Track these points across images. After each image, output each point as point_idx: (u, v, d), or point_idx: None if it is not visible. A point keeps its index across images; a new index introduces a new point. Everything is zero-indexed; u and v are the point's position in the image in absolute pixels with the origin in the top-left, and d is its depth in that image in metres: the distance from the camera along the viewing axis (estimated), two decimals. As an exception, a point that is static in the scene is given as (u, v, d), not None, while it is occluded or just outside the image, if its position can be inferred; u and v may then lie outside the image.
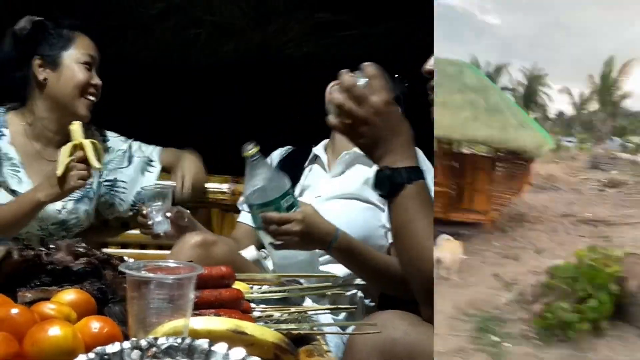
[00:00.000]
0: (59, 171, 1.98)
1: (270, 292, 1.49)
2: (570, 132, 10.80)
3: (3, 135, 2.11)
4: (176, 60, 2.93)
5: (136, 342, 1.01)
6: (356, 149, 1.96)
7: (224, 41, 2.92)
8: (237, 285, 1.39)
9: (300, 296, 1.58)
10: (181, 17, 3.01)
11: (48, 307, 1.19)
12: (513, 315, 3.28)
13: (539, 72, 11.41)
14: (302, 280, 1.83)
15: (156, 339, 1.02)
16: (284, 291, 1.50)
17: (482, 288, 3.78)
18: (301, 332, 1.30)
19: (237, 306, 1.31)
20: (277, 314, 1.36)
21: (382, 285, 1.91)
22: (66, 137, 2.03)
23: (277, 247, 1.78)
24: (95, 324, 1.14)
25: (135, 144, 2.36)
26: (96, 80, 2.15)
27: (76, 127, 2.02)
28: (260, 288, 1.56)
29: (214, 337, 1.06)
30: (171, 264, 1.23)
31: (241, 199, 2.23)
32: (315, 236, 1.79)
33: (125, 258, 1.44)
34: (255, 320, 1.30)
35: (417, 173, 1.44)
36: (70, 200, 2.17)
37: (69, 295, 1.25)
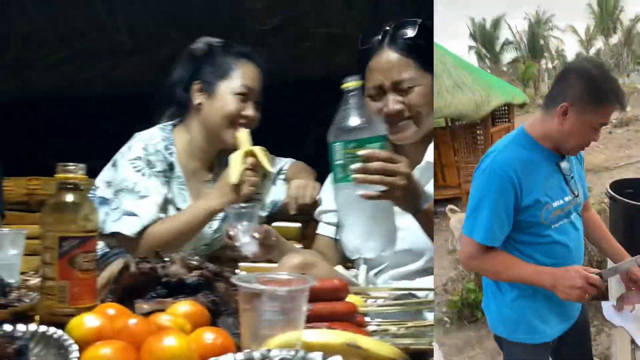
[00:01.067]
0: (235, 178, 2.01)
1: (385, 305, 1.44)
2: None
3: (172, 153, 2.15)
4: (290, 73, 2.95)
5: (249, 353, 0.99)
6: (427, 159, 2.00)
7: (337, 52, 2.92)
8: (351, 298, 1.35)
9: (417, 310, 1.52)
10: (295, 30, 3.03)
11: (164, 318, 1.20)
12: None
13: (543, 16, 10.36)
14: (419, 294, 1.75)
15: (269, 350, 0.99)
16: (401, 305, 1.44)
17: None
18: (419, 346, 1.24)
19: (351, 319, 1.27)
20: (393, 328, 1.30)
21: None
22: (217, 158, 2.08)
23: (372, 197, 1.66)
24: (209, 335, 1.14)
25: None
26: (249, 112, 2.14)
27: (243, 135, 2.05)
28: (375, 302, 1.51)
29: (328, 350, 1.02)
30: (283, 276, 1.21)
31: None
32: (416, 189, 1.72)
33: (237, 270, 1.43)
34: (371, 334, 1.26)
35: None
36: (216, 219, 2.19)
37: (184, 307, 1.26)
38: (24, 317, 1.29)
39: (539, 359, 1.92)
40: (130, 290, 1.35)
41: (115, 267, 1.39)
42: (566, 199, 1.79)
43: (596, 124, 1.70)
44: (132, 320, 1.16)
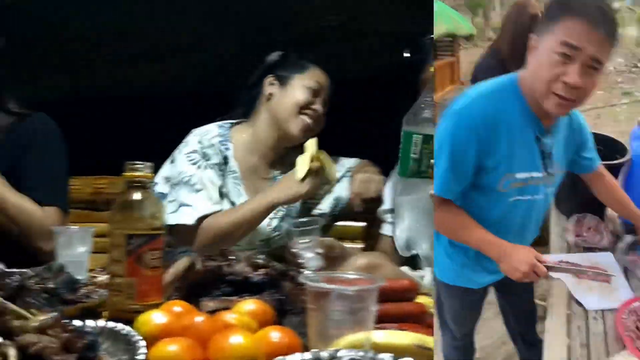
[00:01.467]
0: (301, 174, 2.02)
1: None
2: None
3: (228, 149, 2.19)
4: (350, 71, 2.94)
5: (317, 353, 0.97)
6: None
7: (398, 49, 2.90)
8: (420, 299, 1.32)
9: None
10: (358, 27, 3.02)
11: (230, 317, 1.19)
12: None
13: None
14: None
15: (337, 350, 0.98)
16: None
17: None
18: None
19: (421, 321, 1.24)
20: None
21: None
22: (279, 157, 2.10)
23: None
24: (275, 334, 1.12)
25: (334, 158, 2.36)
26: (317, 106, 2.18)
27: (312, 143, 2.07)
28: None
29: (397, 351, 0.99)
30: (351, 275, 1.19)
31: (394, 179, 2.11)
32: None
33: (304, 270, 1.42)
34: (440, 336, 1.23)
35: None
36: (275, 218, 2.19)
37: (249, 305, 1.26)
38: (93, 313, 1.30)
39: (473, 302, 2.03)
40: (196, 288, 1.35)
41: (181, 264, 1.39)
42: (535, 174, 1.69)
43: (559, 45, 1.50)
44: (199, 318, 1.16)
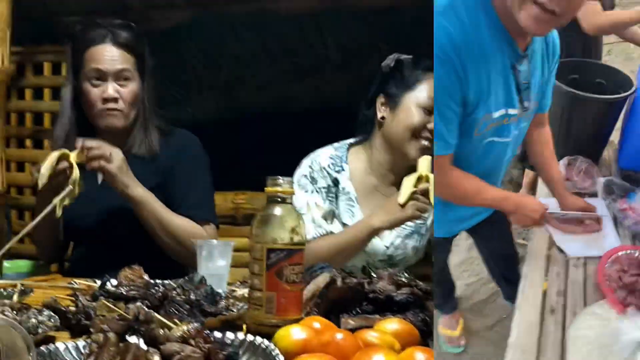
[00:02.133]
0: (403, 199, 1.94)
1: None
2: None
3: (342, 170, 2.14)
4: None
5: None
6: None
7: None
8: None
9: None
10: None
11: (371, 335, 1.15)
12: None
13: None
14: None
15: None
16: None
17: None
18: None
19: None
20: None
21: None
22: (400, 177, 2.02)
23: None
24: (420, 356, 1.06)
25: None
26: (432, 126, 2.05)
27: (425, 161, 1.99)
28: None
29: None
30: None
31: None
32: None
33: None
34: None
35: None
36: (399, 236, 2.14)
37: (392, 324, 1.21)
38: (232, 325, 1.29)
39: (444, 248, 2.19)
40: (336, 305, 1.31)
41: (321, 280, 1.36)
42: (511, 111, 1.54)
43: None
44: (339, 335, 1.12)
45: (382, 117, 2.11)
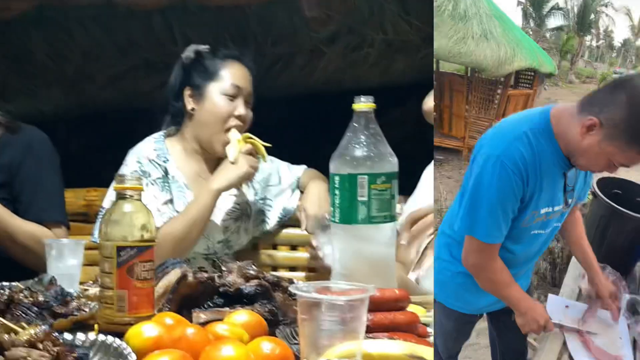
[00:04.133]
0: (232, 157, 2.04)
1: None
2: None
3: (168, 160, 2.18)
4: (347, 82, 2.93)
5: (309, 363, 0.97)
6: None
7: (395, 59, 2.89)
8: (412, 308, 1.32)
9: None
10: (351, 38, 3.00)
11: (221, 328, 1.19)
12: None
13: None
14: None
15: (329, 361, 0.97)
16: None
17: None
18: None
19: (413, 330, 1.23)
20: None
21: None
22: (219, 161, 2.09)
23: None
24: (267, 345, 1.12)
25: (285, 163, 2.37)
26: (240, 111, 2.15)
27: (234, 132, 2.10)
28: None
29: (390, 361, 0.99)
30: (342, 285, 1.19)
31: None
32: None
33: (295, 280, 1.42)
34: (433, 345, 1.22)
35: None
36: (231, 218, 2.22)
37: (241, 316, 1.26)
38: (84, 326, 1.29)
39: (465, 327, 2.10)
40: (188, 300, 1.34)
41: (172, 276, 1.38)
42: (556, 208, 1.73)
43: (616, 161, 1.57)
44: (190, 330, 1.16)
45: (192, 109, 2.17)
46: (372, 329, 1.16)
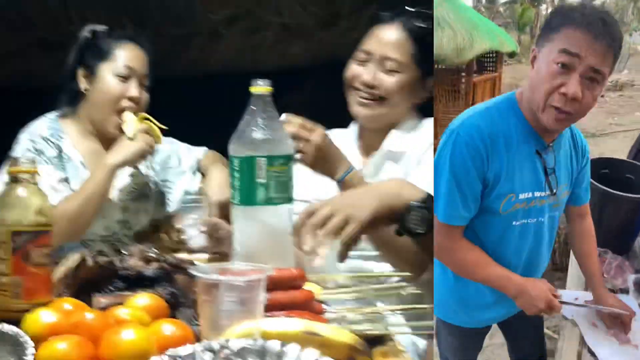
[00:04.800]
0: (130, 133, 2.03)
1: (342, 292, 1.45)
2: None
3: (63, 138, 2.15)
4: (246, 64, 2.93)
5: (208, 344, 1.00)
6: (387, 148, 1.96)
7: (292, 43, 2.91)
8: (308, 286, 1.36)
9: (374, 297, 1.53)
10: (249, 21, 3.00)
11: (122, 312, 1.20)
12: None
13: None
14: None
15: (228, 340, 1.00)
16: (358, 292, 1.46)
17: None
18: (376, 332, 1.26)
19: (309, 308, 1.28)
20: (350, 315, 1.32)
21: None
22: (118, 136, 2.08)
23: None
24: (167, 327, 1.14)
25: (185, 145, 2.37)
26: (133, 93, 2.13)
27: (128, 114, 2.09)
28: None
29: (286, 338, 1.03)
30: (241, 266, 1.22)
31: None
32: (332, 157, 1.67)
33: (196, 262, 1.43)
34: (329, 321, 1.27)
35: None
36: (130, 199, 2.21)
37: (142, 299, 1.26)
38: (-22, 314, 1.27)
39: (473, 340, 1.99)
40: (88, 285, 1.33)
41: (71, 261, 1.37)
42: (538, 194, 1.66)
43: (558, 54, 1.48)
44: (89, 315, 1.16)
45: (86, 89, 2.15)
46: (271, 308, 1.19)
